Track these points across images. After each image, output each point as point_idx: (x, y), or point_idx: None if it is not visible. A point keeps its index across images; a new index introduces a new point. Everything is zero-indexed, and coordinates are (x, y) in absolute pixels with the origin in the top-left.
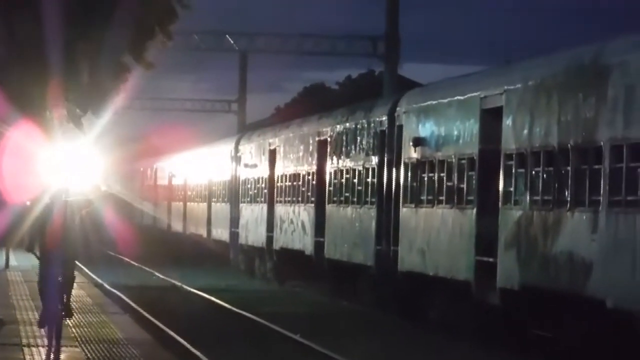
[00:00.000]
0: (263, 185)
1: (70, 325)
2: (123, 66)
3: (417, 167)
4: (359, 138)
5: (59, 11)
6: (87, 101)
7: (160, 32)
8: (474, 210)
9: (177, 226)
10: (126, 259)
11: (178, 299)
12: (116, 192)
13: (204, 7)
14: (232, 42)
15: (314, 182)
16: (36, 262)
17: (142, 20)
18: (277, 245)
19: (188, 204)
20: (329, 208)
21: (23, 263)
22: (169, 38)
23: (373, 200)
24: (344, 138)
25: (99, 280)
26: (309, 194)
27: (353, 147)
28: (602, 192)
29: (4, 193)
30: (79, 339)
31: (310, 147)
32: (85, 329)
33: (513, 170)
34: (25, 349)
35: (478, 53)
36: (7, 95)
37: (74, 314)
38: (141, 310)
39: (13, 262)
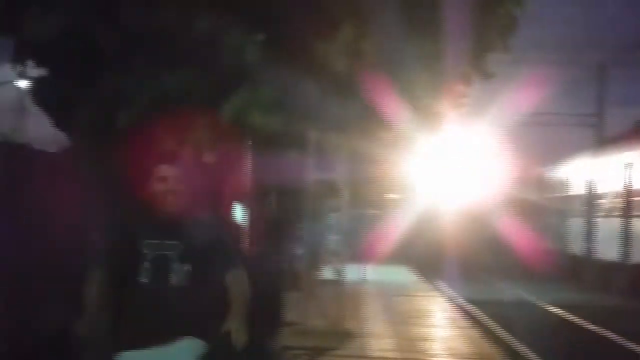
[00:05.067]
0: None
1: (415, 339)
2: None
3: None
4: None
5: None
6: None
7: (500, 43)
8: None
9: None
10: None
11: (528, 314)
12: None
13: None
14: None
15: None
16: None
17: (483, 30)
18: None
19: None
20: None
21: (378, 277)
22: (506, 50)
23: None
24: None
25: (454, 294)
26: None
27: None
28: None
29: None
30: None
31: None
32: (436, 344)
33: None
34: None
35: None
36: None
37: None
38: (491, 325)
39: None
